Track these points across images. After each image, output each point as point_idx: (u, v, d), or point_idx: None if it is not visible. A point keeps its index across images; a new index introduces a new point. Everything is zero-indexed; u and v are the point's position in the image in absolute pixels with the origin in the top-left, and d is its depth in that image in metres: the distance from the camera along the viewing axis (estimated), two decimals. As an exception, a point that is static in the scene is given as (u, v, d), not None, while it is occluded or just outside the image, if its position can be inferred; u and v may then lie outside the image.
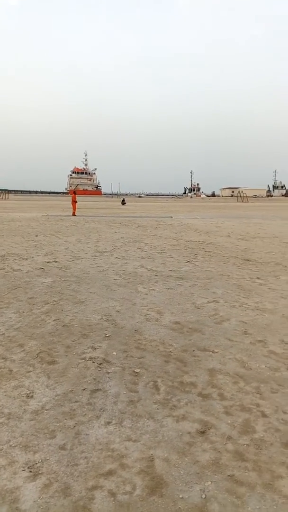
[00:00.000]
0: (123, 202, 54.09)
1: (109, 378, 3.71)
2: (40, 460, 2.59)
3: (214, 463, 2.57)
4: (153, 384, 3.61)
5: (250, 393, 3.45)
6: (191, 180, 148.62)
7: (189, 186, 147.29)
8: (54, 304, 6.06)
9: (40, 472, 2.49)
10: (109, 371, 3.85)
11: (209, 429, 2.92)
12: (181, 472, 2.50)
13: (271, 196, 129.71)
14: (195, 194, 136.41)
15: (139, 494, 2.33)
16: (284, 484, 2.38)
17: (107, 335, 4.78)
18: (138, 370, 3.87)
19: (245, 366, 4.00)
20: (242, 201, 79.38)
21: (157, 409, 3.20)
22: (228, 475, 2.46)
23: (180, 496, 2.31)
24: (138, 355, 4.24)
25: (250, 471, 2.50)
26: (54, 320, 5.33)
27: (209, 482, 2.40)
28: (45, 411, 3.15)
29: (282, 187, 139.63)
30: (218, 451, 2.68)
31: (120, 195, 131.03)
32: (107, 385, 3.57)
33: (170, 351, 4.36)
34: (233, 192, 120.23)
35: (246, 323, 5.35)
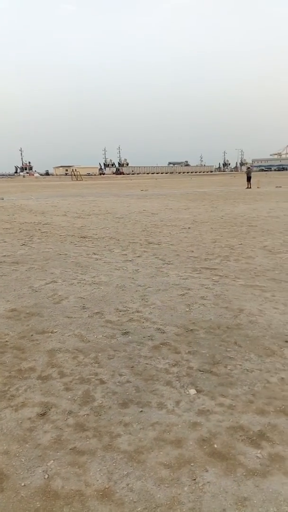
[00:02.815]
0: None
1: None
2: None
3: (56, 441, 2.58)
4: (-12, 378, 3.37)
5: (88, 365, 3.57)
6: (22, 159, 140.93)
7: (20, 165, 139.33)
8: None
9: None
10: None
11: (49, 409, 2.91)
12: (22, 460, 2.43)
13: (104, 174, 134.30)
14: (27, 173, 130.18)
15: (-23, 498, 2.17)
16: (122, 441, 2.57)
17: None
18: None
19: (83, 339, 4.11)
20: (77, 180, 79.97)
21: (-6, 403, 3.01)
22: (70, 449, 2.51)
23: (22, 484, 2.24)
24: None
25: (90, 438, 2.60)
26: None
27: (52, 461, 2.41)
28: None
29: (112, 165, 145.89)
30: (60, 428, 2.70)
31: None
32: None
33: (6, 341, 4.13)
34: (67, 170, 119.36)
35: (84, 298, 5.47)
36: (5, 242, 9.87)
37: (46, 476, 2.29)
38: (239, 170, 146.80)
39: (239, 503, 2.08)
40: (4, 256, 8.26)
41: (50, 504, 2.11)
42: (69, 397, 3.07)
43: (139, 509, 2.07)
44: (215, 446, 2.51)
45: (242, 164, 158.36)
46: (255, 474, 2.28)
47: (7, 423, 2.77)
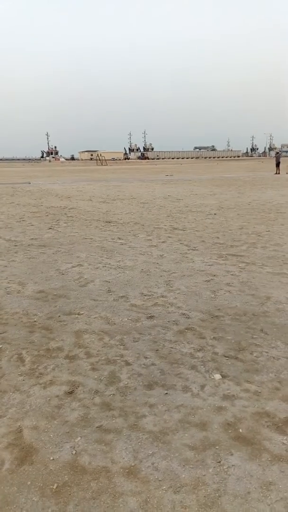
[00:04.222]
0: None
1: None
2: None
3: (83, 419, 2.65)
4: (18, 356, 3.48)
5: (114, 346, 3.62)
6: (48, 144, 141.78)
7: (46, 150, 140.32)
8: None
9: None
10: None
11: (77, 388, 2.98)
12: (51, 435, 2.51)
13: (128, 158, 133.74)
14: (53, 158, 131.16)
15: (8, 468, 2.27)
16: (147, 422, 2.61)
17: None
18: (0, 346, 3.66)
19: (109, 322, 4.16)
20: (102, 164, 79.98)
21: (23, 380, 3.11)
22: (97, 427, 2.57)
23: (51, 458, 2.33)
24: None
25: (116, 418, 2.66)
26: None
27: (79, 438, 2.47)
28: None
29: (137, 149, 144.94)
30: (87, 407, 2.77)
31: None
32: None
33: (35, 321, 4.24)
34: (92, 155, 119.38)
35: (109, 282, 5.52)
36: (32, 225, 10.04)
37: (74, 452, 2.36)
38: (267, 155, 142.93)
39: (264, 487, 2.09)
40: (32, 239, 8.41)
41: (77, 478, 2.18)
42: (96, 377, 3.13)
43: (164, 487, 2.11)
44: (240, 430, 2.51)
45: (270, 149, 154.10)
46: (281, 460, 2.27)
47: (36, 400, 2.86)
